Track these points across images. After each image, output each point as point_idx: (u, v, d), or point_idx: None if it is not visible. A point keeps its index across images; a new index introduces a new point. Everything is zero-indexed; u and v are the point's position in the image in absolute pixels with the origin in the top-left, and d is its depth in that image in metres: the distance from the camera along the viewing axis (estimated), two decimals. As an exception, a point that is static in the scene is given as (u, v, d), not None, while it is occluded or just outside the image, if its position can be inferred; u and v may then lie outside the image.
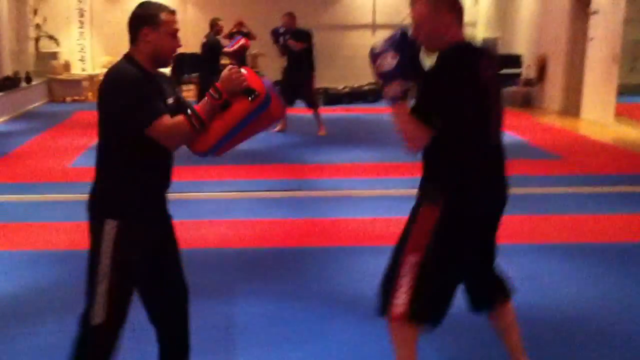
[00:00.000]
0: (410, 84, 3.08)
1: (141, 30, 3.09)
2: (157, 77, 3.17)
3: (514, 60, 15.61)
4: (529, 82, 15.05)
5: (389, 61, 3.04)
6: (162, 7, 3.13)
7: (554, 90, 14.30)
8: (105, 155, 3.13)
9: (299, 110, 11.79)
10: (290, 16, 11.37)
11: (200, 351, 3.72)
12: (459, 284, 3.31)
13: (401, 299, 3.13)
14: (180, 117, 3.04)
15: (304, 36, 11.38)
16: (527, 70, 15.27)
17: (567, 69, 13.86)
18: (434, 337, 3.65)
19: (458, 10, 3.15)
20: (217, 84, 3.07)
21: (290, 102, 11.38)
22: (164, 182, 3.26)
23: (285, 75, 11.71)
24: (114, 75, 3.08)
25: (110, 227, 3.08)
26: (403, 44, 3.09)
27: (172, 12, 3.14)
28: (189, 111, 3.04)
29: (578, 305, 4.75)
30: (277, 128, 11.59)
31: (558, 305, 4.73)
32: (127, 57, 3.12)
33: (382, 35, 3.35)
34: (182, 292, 3.39)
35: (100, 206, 3.14)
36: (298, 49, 11.22)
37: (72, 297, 4.49)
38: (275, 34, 11.37)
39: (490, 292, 3.47)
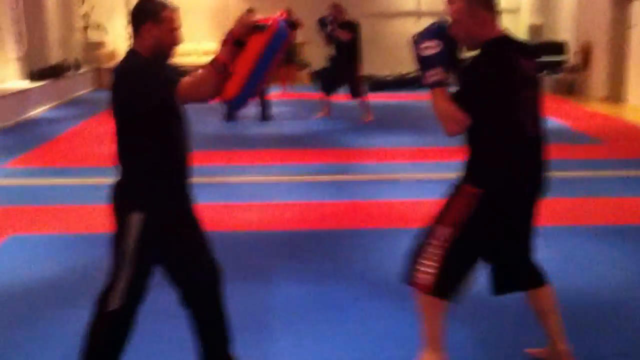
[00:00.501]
0: (448, 73, 3.15)
1: (144, 25, 3.12)
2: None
3: (559, 48, 15.36)
4: (574, 69, 14.80)
5: (430, 49, 3.11)
6: (164, 4, 3.17)
7: (598, 76, 14.05)
8: (127, 149, 3.16)
9: (342, 97, 11.71)
10: (337, 7, 11.38)
11: (241, 332, 3.72)
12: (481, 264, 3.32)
13: (428, 270, 3.17)
14: (201, 70, 3.05)
15: (352, 27, 11.36)
16: (573, 57, 15.01)
17: (610, 55, 13.61)
18: (466, 318, 3.58)
19: (493, 7, 3.21)
20: (230, 30, 3.10)
21: (332, 90, 11.40)
22: (184, 170, 3.26)
23: (331, 63, 11.76)
24: (128, 66, 3.11)
25: (136, 220, 3.12)
26: (442, 35, 3.16)
27: (174, 9, 3.18)
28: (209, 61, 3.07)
29: (620, 286, 4.67)
30: (320, 114, 11.57)
31: (599, 287, 4.66)
32: (132, 52, 3.16)
33: (426, 23, 3.39)
34: (212, 274, 3.36)
35: (126, 199, 3.17)
36: (346, 40, 11.18)
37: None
38: (322, 22, 11.37)
39: (520, 278, 3.46)
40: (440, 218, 3.23)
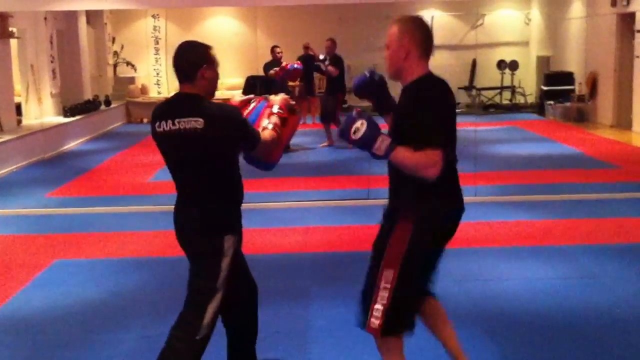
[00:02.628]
0: (383, 132, 3.02)
1: (200, 69, 3.18)
2: None
3: (567, 77, 15.38)
4: (581, 98, 14.81)
5: (359, 130, 2.97)
6: (208, 46, 3.29)
7: (605, 105, 14.04)
8: (213, 183, 3.22)
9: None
10: (333, 41, 11.80)
11: (279, 354, 3.73)
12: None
13: (377, 313, 3.08)
14: (271, 132, 3.41)
15: (339, 62, 11.79)
16: (580, 86, 15.04)
17: (616, 85, 13.60)
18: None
19: (426, 44, 3.12)
20: (280, 106, 3.54)
21: (332, 119, 11.73)
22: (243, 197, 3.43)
23: (326, 95, 12.29)
24: (220, 112, 3.17)
25: (230, 243, 3.22)
26: (362, 112, 3.04)
27: (212, 48, 3.31)
28: (275, 128, 3.44)
29: (635, 303, 4.66)
30: (325, 144, 11.89)
31: (615, 303, 4.65)
32: (198, 97, 3.20)
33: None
34: (254, 286, 3.56)
35: (218, 224, 3.24)
36: (335, 75, 11.73)
37: (155, 303, 4.54)
38: (318, 68, 12.02)
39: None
40: (382, 261, 3.12)
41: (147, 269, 5.48)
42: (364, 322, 3.15)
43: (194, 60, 3.21)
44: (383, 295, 3.07)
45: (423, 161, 2.96)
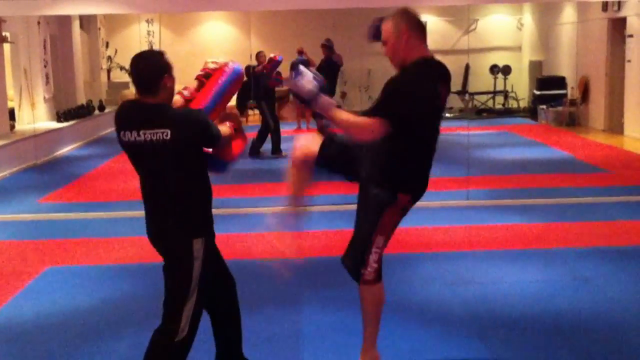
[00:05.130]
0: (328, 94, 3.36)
1: (162, 79, 3.18)
2: None
3: (559, 82, 15.42)
4: (573, 103, 14.85)
5: (306, 83, 3.26)
6: (163, 52, 3.29)
7: (597, 109, 14.09)
8: (183, 184, 3.23)
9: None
10: (326, 47, 11.90)
11: (272, 356, 3.72)
12: None
13: (370, 271, 3.53)
14: (226, 128, 3.48)
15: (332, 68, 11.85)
16: (572, 91, 15.08)
17: (608, 89, 13.67)
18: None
19: (419, 29, 3.37)
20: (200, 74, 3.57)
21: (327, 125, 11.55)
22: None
23: None
24: (184, 116, 3.23)
25: (199, 245, 3.23)
26: (304, 65, 3.43)
27: (166, 53, 3.32)
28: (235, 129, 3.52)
29: (628, 305, 4.69)
30: None
31: (610, 305, 4.68)
32: (164, 105, 3.22)
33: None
34: (232, 281, 3.60)
35: (187, 227, 3.24)
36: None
37: (147, 309, 4.52)
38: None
39: None
40: (376, 230, 3.49)
41: (140, 275, 5.46)
42: (359, 276, 3.59)
43: (155, 71, 3.18)
44: (375, 257, 3.53)
45: (361, 125, 3.25)
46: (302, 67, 3.33)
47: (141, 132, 3.12)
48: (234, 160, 3.56)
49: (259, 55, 11.65)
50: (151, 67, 3.17)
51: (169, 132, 3.10)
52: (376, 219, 3.48)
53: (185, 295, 3.20)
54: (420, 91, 3.27)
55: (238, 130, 3.57)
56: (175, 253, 3.25)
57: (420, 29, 3.37)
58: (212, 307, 3.54)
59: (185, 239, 3.22)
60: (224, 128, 3.40)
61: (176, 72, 3.28)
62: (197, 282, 3.21)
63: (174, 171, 3.20)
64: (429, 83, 3.30)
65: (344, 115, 3.30)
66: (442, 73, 3.40)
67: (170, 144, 3.11)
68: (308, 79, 3.26)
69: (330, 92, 11.78)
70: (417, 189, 3.52)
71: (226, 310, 3.58)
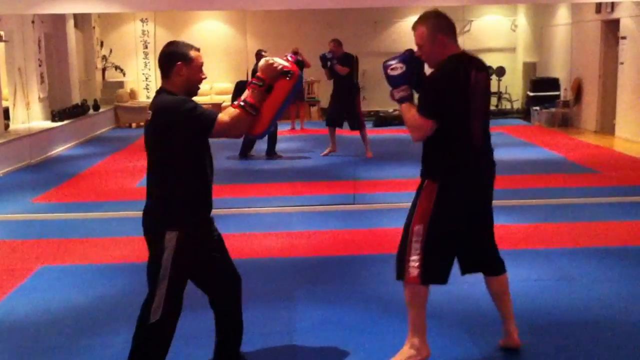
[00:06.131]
0: (412, 91, 3.63)
1: (175, 65, 3.33)
2: None
3: (552, 83, 15.50)
4: (566, 104, 14.94)
5: (398, 71, 3.59)
6: (190, 45, 3.41)
7: (589, 111, 14.18)
8: (160, 174, 3.37)
9: (347, 132, 11.74)
10: (336, 42, 11.35)
11: (264, 355, 3.80)
12: (457, 247, 3.71)
13: (414, 265, 3.56)
14: (235, 110, 3.31)
15: (349, 60, 11.32)
16: (565, 92, 15.17)
17: (601, 91, 13.75)
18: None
19: (451, 30, 3.64)
20: (259, 74, 3.37)
21: (338, 124, 11.34)
22: (208, 192, 3.49)
23: (333, 98, 11.60)
24: (165, 102, 3.31)
25: (170, 237, 3.33)
26: (409, 59, 3.65)
27: (198, 49, 3.43)
28: (242, 103, 3.29)
29: (612, 303, 4.78)
30: (326, 152, 11.57)
31: (594, 303, 4.78)
32: (163, 90, 3.37)
33: None
34: (235, 278, 3.68)
35: (159, 220, 3.37)
36: (344, 73, 11.14)
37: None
38: (323, 58, 11.33)
39: (484, 264, 3.88)
40: (413, 217, 3.61)
41: (134, 274, 5.49)
42: (401, 274, 3.63)
43: (170, 56, 3.37)
44: (416, 247, 3.56)
45: (413, 122, 3.52)
46: (405, 55, 3.65)
47: (149, 111, 3.36)
48: (259, 133, 3.47)
49: (259, 54, 11.66)
50: (166, 54, 3.39)
51: (151, 113, 3.32)
52: (414, 205, 3.66)
53: (157, 280, 3.36)
54: (452, 83, 3.51)
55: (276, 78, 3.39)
56: (149, 238, 3.42)
57: (452, 30, 3.63)
58: (212, 302, 3.67)
59: (156, 228, 3.37)
60: (230, 109, 3.34)
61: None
62: (166, 271, 3.34)
63: (153, 154, 3.37)
64: (459, 72, 3.53)
65: (408, 112, 3.56)
66: (473, 62, 3.63)
67: (150, 127, 3.33)
68: (401, 67, 3.57)
69: (354, 88, 11.37)
70: (448, 174, 3.59)
71: (226, 307, 3.67)
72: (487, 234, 3.83)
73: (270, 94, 3.37)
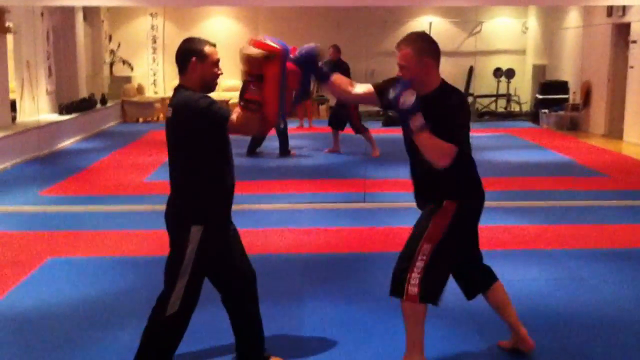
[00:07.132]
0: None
1: (190, 62, 3.36)
2: None
3: (561, 87, 15.50)
4: (575, 107, 14.92)
5: (409, 98, 3.37)
6: (206, 42, 3.44)
7: (598, 114, 14.16)
8: (183, 170, 3.41)
9: (354, 132, 11.70)
10: (335, 48, 11.47)
11: (274, 352, 3.81)
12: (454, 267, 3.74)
13: (414, 282, 3.51)
14: (240, 110, 3.28)
15: (339, 67, 11.36)
16: (574, 96, 15.15)
17: (610, 95, 13.74)
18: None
19: (437, 54, 3.57)
20: (244, 69, 3.34)
21: (340, 127, 11.44)
22: (231, 190, 3.53)
23: (336, 101, 11.72)
24: (183, 99, 3.33)
25: (195, 231, 3.36)
26: (403, 80, 3.50)
27: (214, 45, 3.46)
28: (242, 103, 3.27)
29: (620, 304, 4.80)
30: (328, 150, 11.66)
31: (602, 304, 4.79)
32: (182, 87, 3.40)
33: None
34: (250, 275, 3.68)
35: (185, 214, 3.40)
36: None
37: (149, 301, 4.59)
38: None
39: (480, 280, 3.88)
40: (422, 236, 3.56)
41: (142, 268, 5.53)
42: (398, 291, 3.57)
43: (185, 53, 3.41)
44: (419, 265, 3.51)
45: (442, 149, 3.39)
46: (405, 83, 3.45)
47: (169, 107, 3.40)
48: (272, 121, 3.41)
49: None
50: (182, 50, 3.43)
51: (171, 110, 3.36)
52: (426, 224, 3.60)
53: (177, 275, 3.37)
54: (468, 109, 3.65)
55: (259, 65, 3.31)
56: (172, 234, 3.44)
57: (439, 55, 3.58)
58: (225, 300, 3.68)
59: (181, 223, 3.40)
60: (237, 110, 3.30)
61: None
62: (187, 266, 3.36)
63: (175, 151, 3.41)
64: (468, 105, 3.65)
65: (430, 139, 3.40)
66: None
67: (171, 123, 3.38)
68: (412, 94, 3.38)
69: None
70: (466, 196, 3.62)
71: (241, 304, 3.67)
72: (476, 250, 3.89)
73: (263, 82, 3.29)
